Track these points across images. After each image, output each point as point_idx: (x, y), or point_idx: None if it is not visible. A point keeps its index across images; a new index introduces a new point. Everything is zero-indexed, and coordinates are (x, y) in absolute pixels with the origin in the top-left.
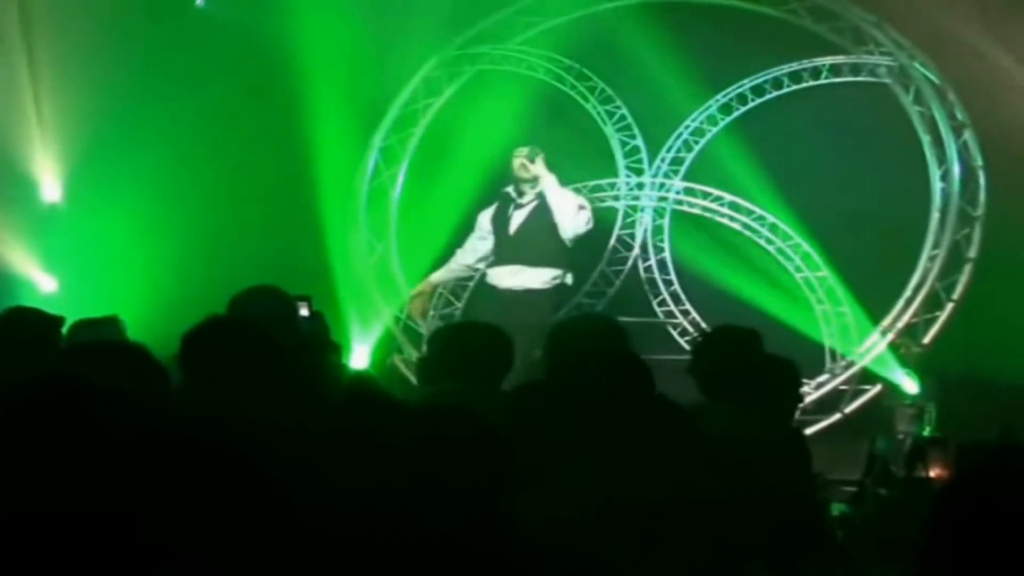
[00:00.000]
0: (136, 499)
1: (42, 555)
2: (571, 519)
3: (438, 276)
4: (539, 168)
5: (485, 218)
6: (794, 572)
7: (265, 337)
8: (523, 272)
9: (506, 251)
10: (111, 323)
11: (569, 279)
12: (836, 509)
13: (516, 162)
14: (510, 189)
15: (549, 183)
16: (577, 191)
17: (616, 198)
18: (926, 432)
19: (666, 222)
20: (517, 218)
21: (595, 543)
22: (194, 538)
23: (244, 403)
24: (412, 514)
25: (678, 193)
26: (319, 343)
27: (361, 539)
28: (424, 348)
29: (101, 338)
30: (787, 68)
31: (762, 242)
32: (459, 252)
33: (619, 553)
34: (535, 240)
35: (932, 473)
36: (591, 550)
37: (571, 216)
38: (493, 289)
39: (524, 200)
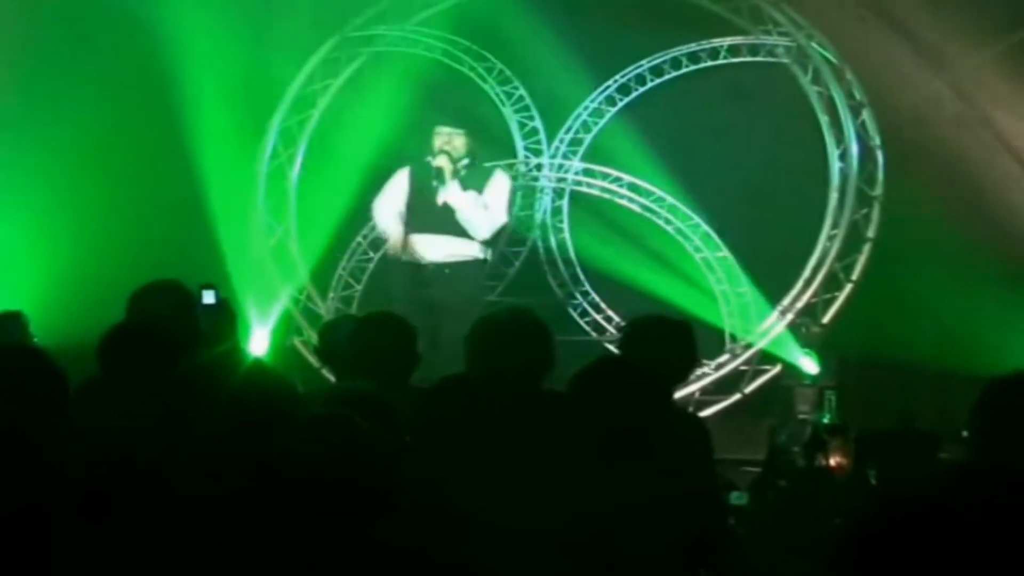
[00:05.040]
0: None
1: None
2: (485, 519)
3: None
4: (447, 168)
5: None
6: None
7: (159, 340)
8: (452, 243)
9: (429, 219)
10: (14, 319)
11: (490, 254)
12: (736, 498)
13: (436, 143)
14: (431, 159)
15: (451, 193)
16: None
17: (515, 179)
18: (826, 419)
19: (565, 203)
20: (443, 194)
21: (510, 548)
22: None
23: (142, 405)
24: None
25: (577, 174)
26: (218, 333)
27: (227, 543)
28: (319, 336)
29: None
30: (685, 48)
31: (661, 223)
32: None
33: (532, 560)
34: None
35: (832, 462)
36: (506, 556)
37: (477, 221)
38: (415, 265)
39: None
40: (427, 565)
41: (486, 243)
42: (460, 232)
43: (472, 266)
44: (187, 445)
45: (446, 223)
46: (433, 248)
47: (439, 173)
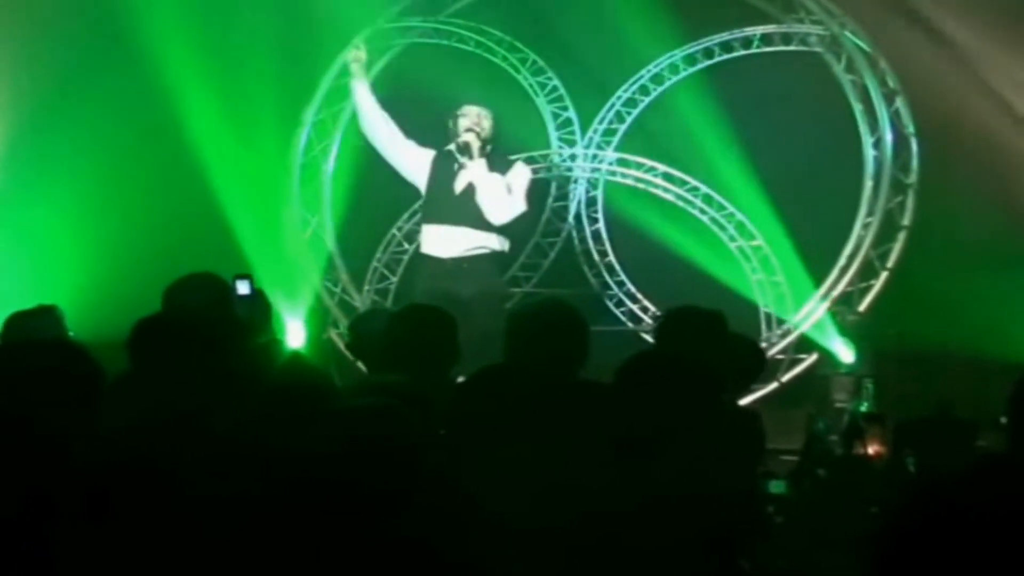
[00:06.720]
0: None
1: None
2: (513, 515)
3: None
4: (474, 144)
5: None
6: (736, 566)
7: (197, 332)
8: (469, 235)
9: (446, 210)
10: (49, 313)
11: (506, 246)
12: (775, 487)
13: (461, 124)
14: (453, 147)
15: (476, 170)
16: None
17: (549, 170)
18: (864, 408)
19: (599, 193)
20: (464, 177)
21: (538, 545)
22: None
23: (177, 399)
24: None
25: (611, 164)
26: (255, 325)
27: (249, 544)
28: (349, 330)
29: (36, 334)
30: (718, 38)
31: (696, 212)
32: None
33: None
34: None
35: (870, 450)
36: (544, 553)
37: (499, 203)
38: (435, 260)
39: (471, 161)
40: (440, 564)
41: (503, 233)
42: (477, 223)
43: (490, 259)
44: (196, 442)
45: (463, 214)
46: (451, 244)
47: (466, 147)
